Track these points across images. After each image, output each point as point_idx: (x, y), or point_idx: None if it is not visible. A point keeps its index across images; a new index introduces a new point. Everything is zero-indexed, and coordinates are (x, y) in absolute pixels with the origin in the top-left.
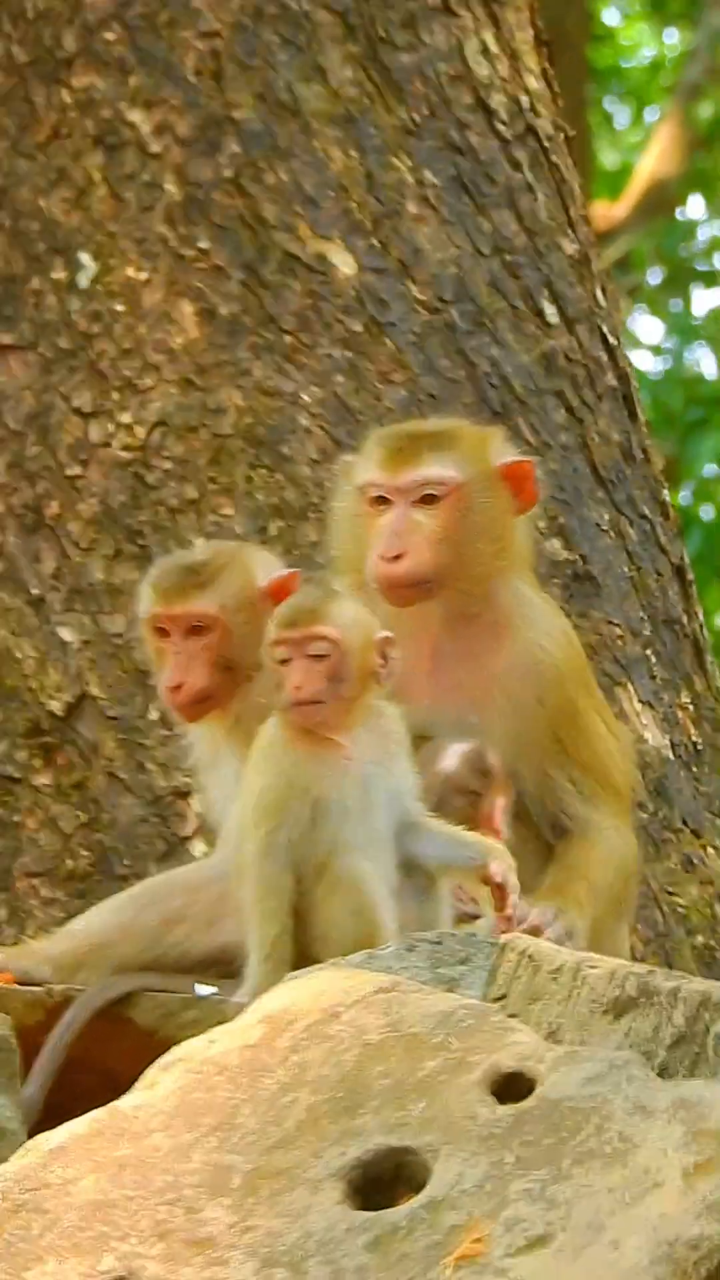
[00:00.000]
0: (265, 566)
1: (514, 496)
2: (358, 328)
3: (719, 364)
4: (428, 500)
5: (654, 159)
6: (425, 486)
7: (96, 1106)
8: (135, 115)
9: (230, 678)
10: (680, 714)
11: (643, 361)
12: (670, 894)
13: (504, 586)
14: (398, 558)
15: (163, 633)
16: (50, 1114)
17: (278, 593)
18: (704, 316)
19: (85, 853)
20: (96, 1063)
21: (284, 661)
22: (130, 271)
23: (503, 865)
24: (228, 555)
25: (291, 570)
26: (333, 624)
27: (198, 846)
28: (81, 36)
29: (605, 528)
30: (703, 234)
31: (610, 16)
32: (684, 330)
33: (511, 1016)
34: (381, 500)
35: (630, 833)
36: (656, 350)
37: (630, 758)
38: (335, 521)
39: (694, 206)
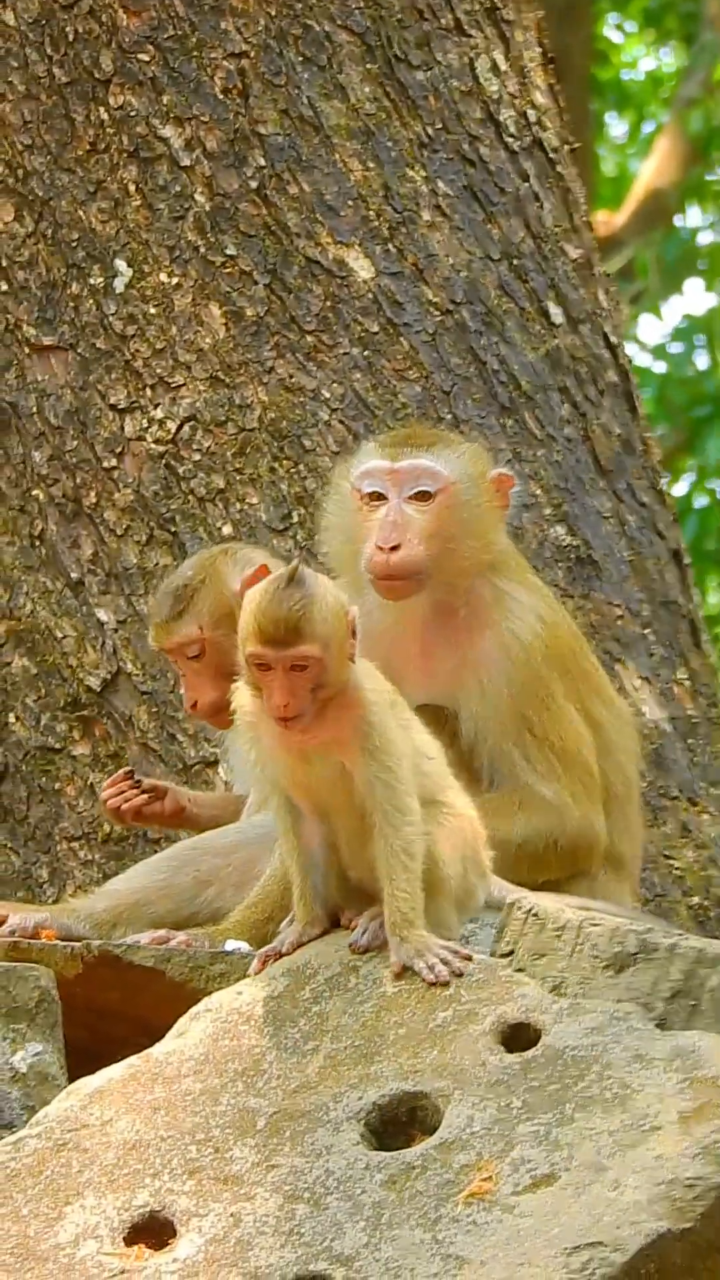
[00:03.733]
0: (239, 565)
1: (498, 504)
2: (375, 328)
3: (713, 362)
4: (421, 496)
5: (652, 169)
6: (421, 479)
7: (132, 1053)
8: (167, 131)
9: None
10: (677, 689)
11: (645, 361)
12: (667, 858)
13: (485, 583)
14: (395, 548)
15: (169, 657)
16: (89, 1061)
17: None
18: (703, 314)
19: None
20: (131, 1013)
21: (262, 667)
22: (163, 277)
23: None
24: (203, 571)
25: (261, 564)
26: (316, 640)
27: None
28: (117, 58)
29: (607, 515)
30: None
31: (612, 34)
32: (684, 333)
33: (518, 971)
34: (376, 497)
35: (582, 809)
36: (659, 351)
37: (625, 747)
38: (328, 523)
39: (691, 215)
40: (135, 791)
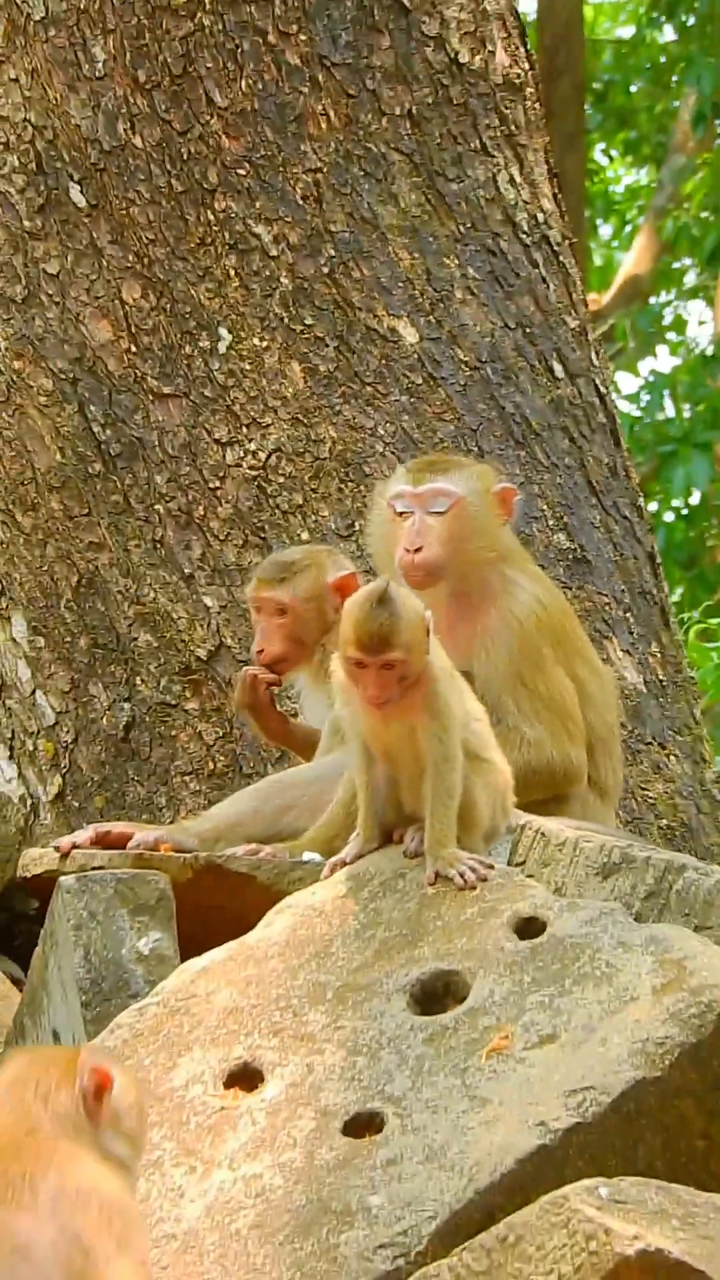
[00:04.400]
0: (336, 566)
1: (501, 512)
2: (419, 381)
3: (676, 411)
4: (437, 512)
5: (631, 261)
6: (438, 498)
7: (230, 940)
8: (260, 228)
9: (300, 647)
10: (651, 660)
11: (624, 406)
12: (643, 789)
13: (495, 573)
14: (418, 550)
15: (257, 609)
16: (196, 946)
17: (342, 588)
18: (669, 371)
19: (222, 758)
20: (229, 909)
21: (359, 665)
22: (255, 341)
23: None
24: (309, 558)
25: (351, 572)
26: (402, 647)
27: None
28: (221, 172)
29: (597, 525)
30: (667, 314)
31: (600, 158)
32: (653, 386)
33: (529, 877)
34: (405, 514)
35: (560, 747)
36: (633, 398)
37: (605, 701)
38: (371, 532)
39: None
40: (272, 676)
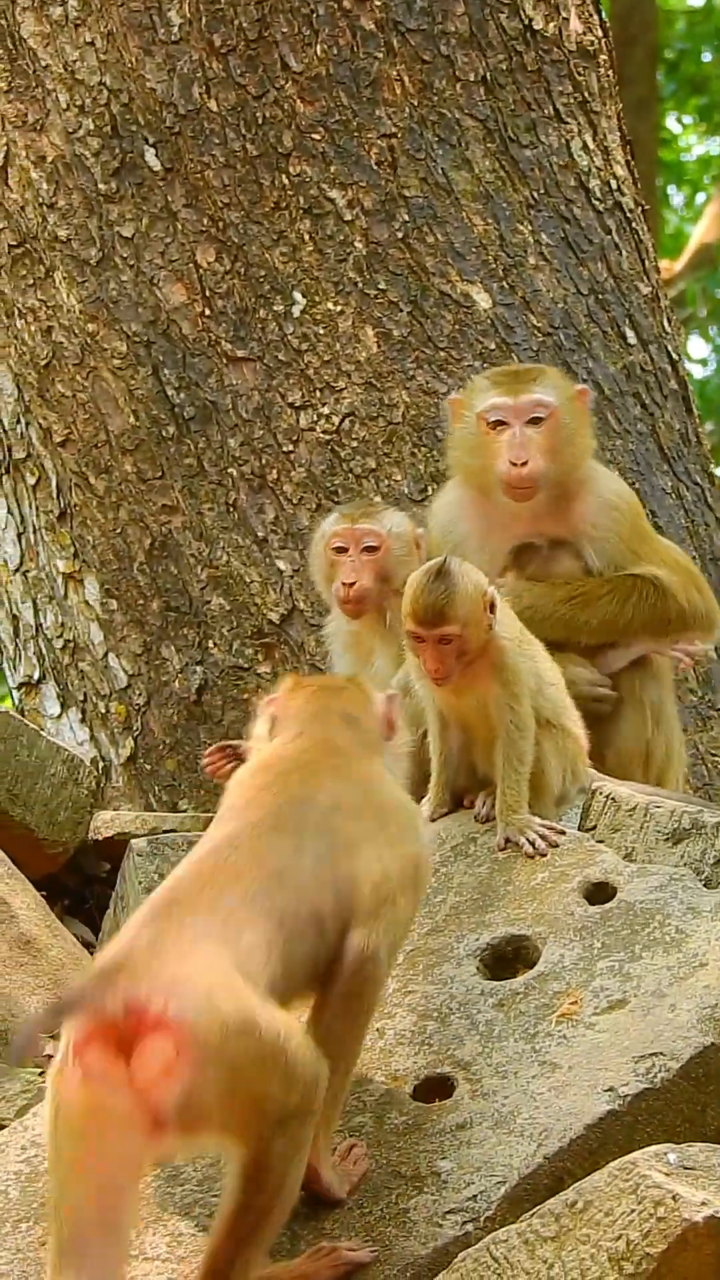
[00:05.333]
0: (417, 523)
1: (584, 413)
2: (492, 346)
3: None
4: (535, 422)
5: (702, 229)
6: (535, 409)
7: None
8: (334, 193)
9: (385, 586)
10: None
11: (695, 370)
12: (713, 755)
13: (582, 470)
14: (524, 464)
15: (341, 550)
16: None
17: (418, 543)
18: None
19: None
20: None
21: (417, 639)
22: (329, 305)
23: None
24: (385, 503)
25: (422, 532)
26: (458, 622)
27: None
28: (296, 137)
29: (668, 491)
30: None
31: (673, 125)
32: None
33: (599, 842)
34: (498, 425)
35: (679, 583)
36: (703, 363)
37: (687, 556)
38: (456, 445)
39: None
40: (229, 762)
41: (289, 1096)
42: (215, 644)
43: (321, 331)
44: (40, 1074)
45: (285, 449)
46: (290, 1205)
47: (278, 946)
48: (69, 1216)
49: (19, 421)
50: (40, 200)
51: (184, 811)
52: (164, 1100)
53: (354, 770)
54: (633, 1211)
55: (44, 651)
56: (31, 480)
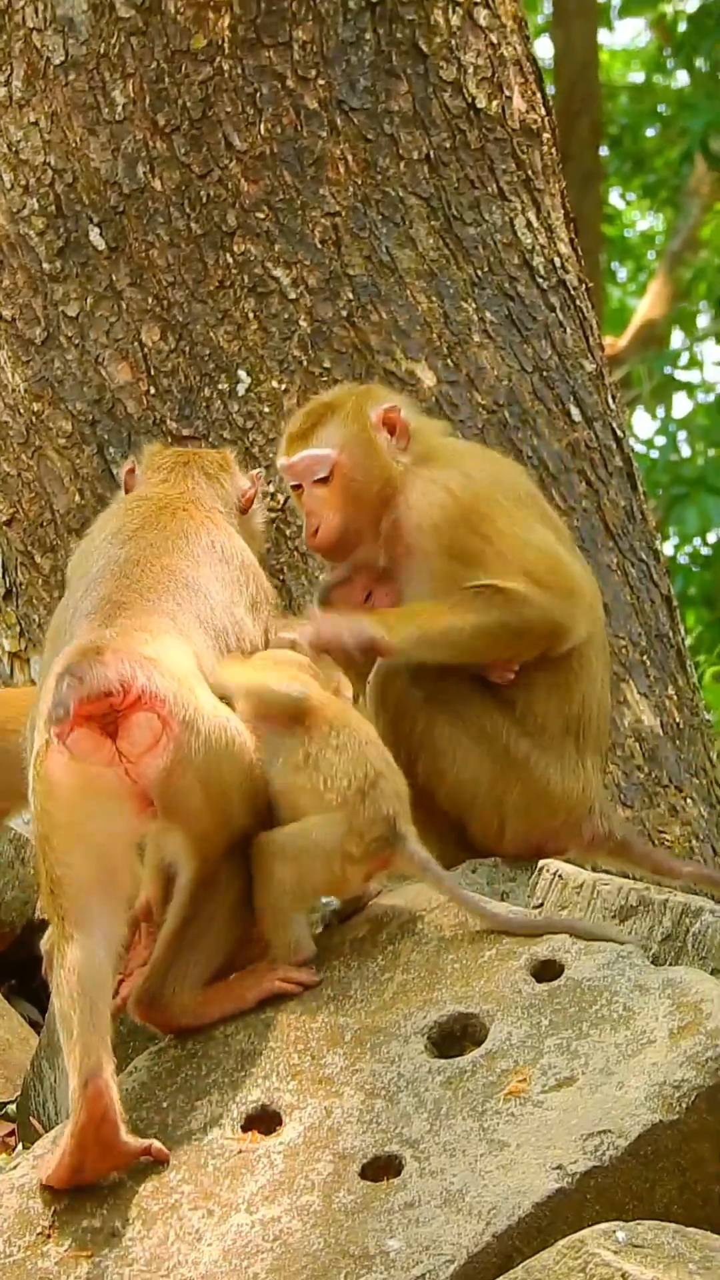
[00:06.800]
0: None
1: (391, 435)
2: None
3: (692, 453)
4: (321, 482)
5: (646, 305)
6: (315, 466)
7: None
8: (278, 272)
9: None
10: (668, 702)
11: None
12: (660, 832)
13: (411, 479)
14: (315, 532)
15: (294, 488)
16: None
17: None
18: (684, 415)
19: None
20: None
21: None
22: (274, 384)
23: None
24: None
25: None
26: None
27: None
28: (240, 215)
29: (614, 568)
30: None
31: (617, 202)
32: (668, 432)
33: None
34: (295, 487)
35: (534, 601)
36: (649, 444)
37: (561, 552)
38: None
39: (675, 339)
40: None
41: (250, 807)
42: None
43: (266, 410)
44: None
45: None
46: (227, 941)
47: (216, 653)
48: (70, 888)
49: None
50: None
51: None
52: (152, 770)
53: (216, 519)
54: None
55: None
56: None
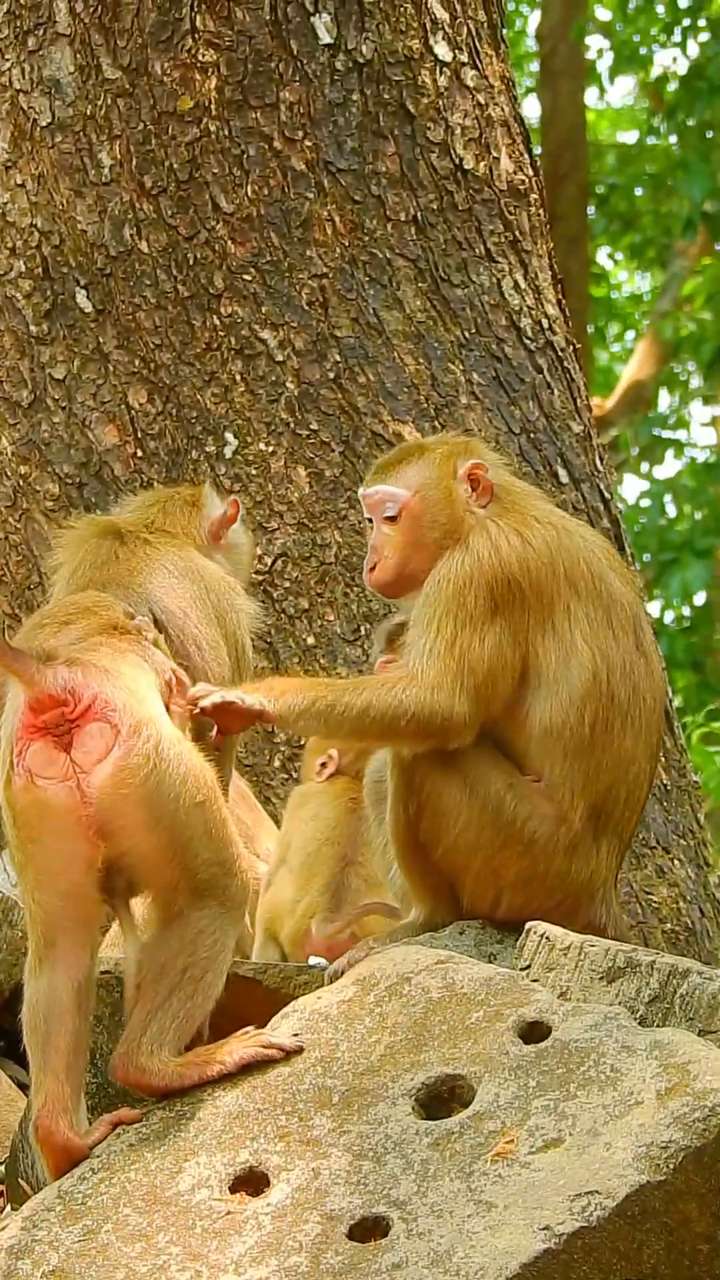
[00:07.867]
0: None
1: (474, 490)
2: None
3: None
4: (390, 520)
5: (634, 366)
6: (385, 504)
7: None
8: (266, 334)
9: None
10: (656, 764)
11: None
12: (647, 894)
13: (476, 529)
14: (372, 569)
15: (367, 518)
16: None
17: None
18: (672, 475)
19: None
20: (236, 1013)
21: None
22: (261, 446)
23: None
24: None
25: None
26: None
27: None
28: (227, 277)
29: None
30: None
31: (605, 262)
32: (655, 494)
33: (534, 981)
34: (369, 519)
35: (439, 694)
36: (637, 508)
37: (570, 680)
38: None
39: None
40: None
41: (210, 845)
42: None
43: (254, 472)
44: None
45: None
46: (205, 1000)
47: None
48: (40, 920)
49: None
50: None
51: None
52: (104, 781)
53: (180, 545)
54: None
55: None
56: None
